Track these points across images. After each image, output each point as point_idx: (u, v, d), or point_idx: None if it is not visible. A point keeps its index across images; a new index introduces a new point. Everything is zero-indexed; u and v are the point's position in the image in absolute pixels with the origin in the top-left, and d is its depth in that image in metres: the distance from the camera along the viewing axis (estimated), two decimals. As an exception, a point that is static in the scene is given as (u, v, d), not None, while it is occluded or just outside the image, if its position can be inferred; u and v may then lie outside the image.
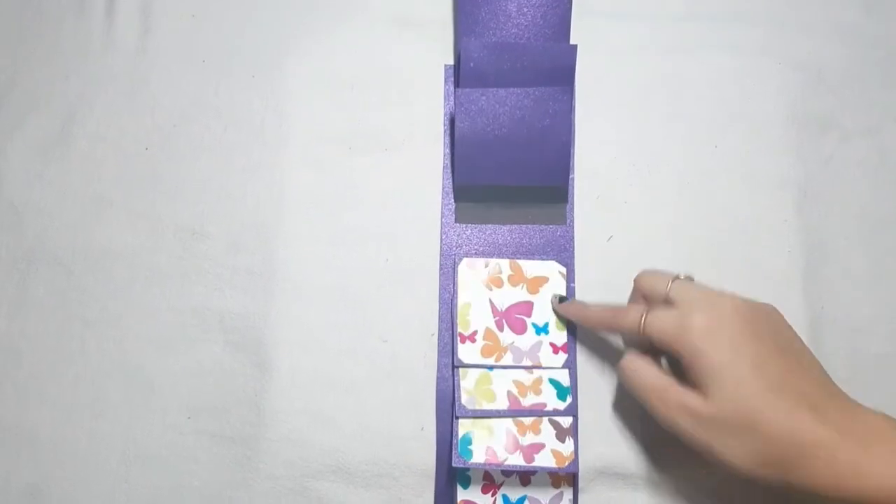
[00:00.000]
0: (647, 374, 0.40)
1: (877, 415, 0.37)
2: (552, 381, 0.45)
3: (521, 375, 0.45)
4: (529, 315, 0.46)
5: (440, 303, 0.47)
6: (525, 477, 0.44)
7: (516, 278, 0.47)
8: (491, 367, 0.45)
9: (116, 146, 0.50)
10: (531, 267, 0.47)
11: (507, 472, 0.44)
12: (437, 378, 0.46)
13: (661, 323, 0.39)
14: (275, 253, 0.47)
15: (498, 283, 0.47)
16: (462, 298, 0.46)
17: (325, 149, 0.49)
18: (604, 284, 0.47)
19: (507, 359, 0.45)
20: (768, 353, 0.37)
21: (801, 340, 0.40)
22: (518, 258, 0.47)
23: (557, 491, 0.44)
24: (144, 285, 0.48)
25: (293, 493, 0.44)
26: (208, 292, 0.47)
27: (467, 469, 0.44)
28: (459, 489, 0.44)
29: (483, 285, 0.47)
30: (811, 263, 0.48)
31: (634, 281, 0.44)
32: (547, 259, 0.47)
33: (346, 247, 0.48)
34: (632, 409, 0.46)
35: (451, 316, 0.46)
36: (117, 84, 0.51)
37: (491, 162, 0.47)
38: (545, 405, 0.44)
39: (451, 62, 0.51)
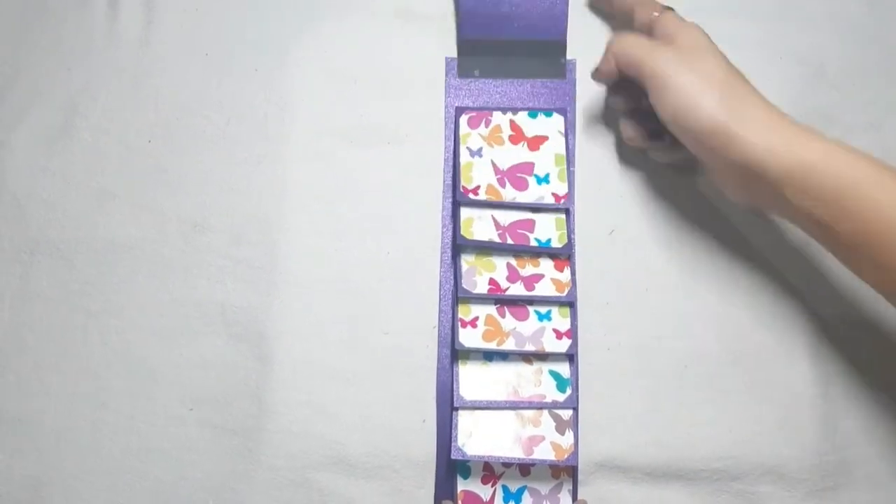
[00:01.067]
0: (636, 39, 0.44)
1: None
2: (552, 373, 0.45)
3: (521, 367, 0.45)
4: (531, 173, 0.47)
5: (440, 295, 0.47)
6: (525, 468, 0.44)
7: (516, 137, 0.48)
8: (493, 352, 0.45)
9: (119, 139, 0.50)
10: (531, 125, 0.48)
11: (507, 463, 0.44)
12: (438, 369, 0.46)
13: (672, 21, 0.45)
14: (277, 246, 0.48)
15: (499, 140, 0.47)
16: (464, 157, 0.47)
17: (327, 142, 0.49)
18: (605, 275, 0.47)
19: (510, 343, 0.45)
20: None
21: None
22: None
23: (557, 482, 0.44)
24: (147, 277, 0.48)
25: (294, 485, 0.45)
26: (210, 285, 0.47)
27: (467, 460, 0.44)
28: (459, 479, 0.44)
29: (483, 141, 0.48)
30: (812, 259, 0.48)
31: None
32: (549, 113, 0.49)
33: (348, 240, 0.48)
34: (633, 401, 0.46)
35: (454, 176, 0.47)
36: (120, 77, 0.51)
37: (493, 16, 0.49)
38: (545, 397, 0.44)
39: (452, 55, 0.51)
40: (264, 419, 0.45)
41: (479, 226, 0.46)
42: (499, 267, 0.46)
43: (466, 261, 0.46)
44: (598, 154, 0.49)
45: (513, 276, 0.46)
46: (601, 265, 0.48)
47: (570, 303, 0.46)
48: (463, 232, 0.46)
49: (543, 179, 0.46)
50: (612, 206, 0.49)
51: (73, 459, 0.45)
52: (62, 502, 0.45)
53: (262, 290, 0.47)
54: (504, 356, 0.45)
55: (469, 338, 0.45)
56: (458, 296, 0.45)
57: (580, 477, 0.45)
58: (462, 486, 0.44)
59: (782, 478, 0.44)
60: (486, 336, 0.45)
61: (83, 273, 0.48)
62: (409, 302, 0.47)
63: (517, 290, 0.45)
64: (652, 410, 0.46)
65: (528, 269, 0.46)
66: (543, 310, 0.46)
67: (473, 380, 0.45)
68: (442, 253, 0.48)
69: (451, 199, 0.48)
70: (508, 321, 0.45)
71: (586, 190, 0.49)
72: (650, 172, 0.49)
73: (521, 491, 0.44)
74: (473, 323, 0.45)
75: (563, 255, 0.46)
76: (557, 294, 0.45)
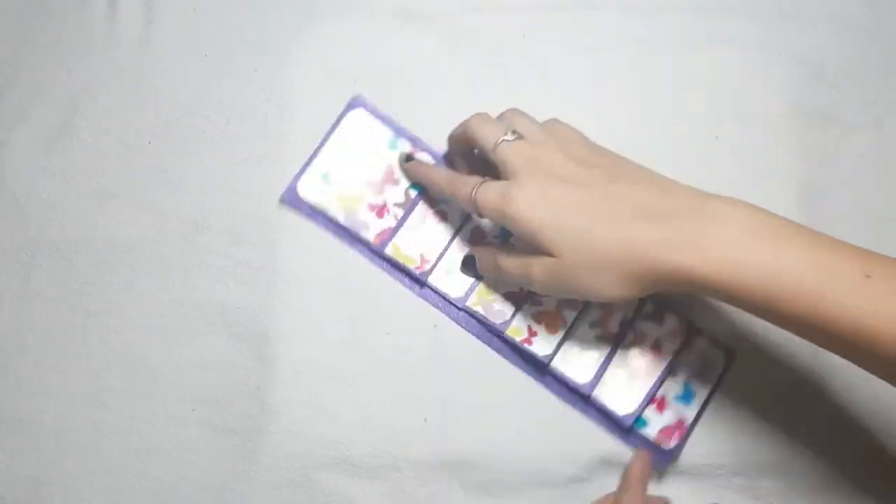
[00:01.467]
0: (503, 261, 0.42)
1: (723, 199, 0.38)
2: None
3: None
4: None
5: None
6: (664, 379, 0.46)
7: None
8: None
9: (119, 139, 0.50)
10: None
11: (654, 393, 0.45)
12: (540, 385, 0.46)
13: (486, 200, 0.41)
14: (277, 245, 0.47)
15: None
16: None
17: (327, 142, 0.49)
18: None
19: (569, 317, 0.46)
20: (591, 191, 0.39)
21: (622, 159, 0.41)
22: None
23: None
24: (147, 277, 0.48)
25: (295, 485, 0.44)
26: (211, 285, 0.47)
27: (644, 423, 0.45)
28: (640, 431, 0.45)
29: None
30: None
31: (465, 125, 0.44)
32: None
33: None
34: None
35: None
36: (120, 77, 0.51)
37: None
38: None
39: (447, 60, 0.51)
40: (265, 419, 0.45)
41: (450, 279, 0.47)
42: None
43: (479, 297, 0.46)
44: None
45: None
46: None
47: None
48: (471, 304, 0.46)
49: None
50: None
51: (73, 459, 0.45)
52: (62, 502, 0.45)
53: (263, 290, 0.47)
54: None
55: (543, 345, 0.45)
56: (503, 334, 0.46)
57: (583, 475, 0.45)
58: (649, 433, 0.45)
59: (784, 473, 0.44)
60: (549, 330, 0.45)
61: (83, 273, 0.48)
62: (409, 302, 0.47)
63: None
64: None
65: None
66: None
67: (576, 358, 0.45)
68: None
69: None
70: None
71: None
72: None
73: (688, 387, 0.46)
74: (530, 336, 0.45)
75: None
76: None
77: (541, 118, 0.50)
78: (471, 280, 0.47)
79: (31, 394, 0.46)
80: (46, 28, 0.51)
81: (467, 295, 0.46)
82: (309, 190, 0.48)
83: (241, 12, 0.52)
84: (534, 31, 0.52)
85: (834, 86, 0.51)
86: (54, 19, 0.52)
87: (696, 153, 0.50)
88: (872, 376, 0.46)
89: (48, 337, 0.47)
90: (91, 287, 0.48)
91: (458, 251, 0.47)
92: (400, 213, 0.47)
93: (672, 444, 0.44)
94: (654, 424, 0.45)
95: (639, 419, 0.45)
